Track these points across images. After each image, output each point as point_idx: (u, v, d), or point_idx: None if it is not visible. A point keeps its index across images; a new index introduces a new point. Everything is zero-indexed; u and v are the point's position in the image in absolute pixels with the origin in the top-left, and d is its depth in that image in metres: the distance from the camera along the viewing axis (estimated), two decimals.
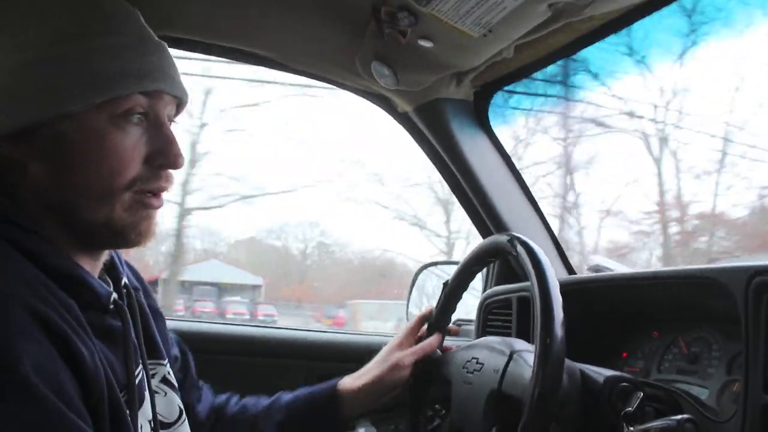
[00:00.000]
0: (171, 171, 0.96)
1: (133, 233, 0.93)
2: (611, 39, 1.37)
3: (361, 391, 1.30)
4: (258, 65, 1.61)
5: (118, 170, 0.89)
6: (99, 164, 0.88)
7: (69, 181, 0.89)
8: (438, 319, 1.38)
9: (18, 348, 0.73)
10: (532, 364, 1.00)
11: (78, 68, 0.87)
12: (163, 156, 0.93)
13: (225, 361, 1.79)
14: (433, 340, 1.35)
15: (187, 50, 1.49)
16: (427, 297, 2.05)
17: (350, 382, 1.32)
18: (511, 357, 1.11)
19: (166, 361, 1.11)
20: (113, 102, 0.88)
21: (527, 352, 1.12)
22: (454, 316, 1.42)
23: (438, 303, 1.38)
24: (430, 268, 2.09)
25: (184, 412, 1.10)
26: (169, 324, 1.21)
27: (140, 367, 0.99)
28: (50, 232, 0.89)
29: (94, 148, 0.88)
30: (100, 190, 0.89)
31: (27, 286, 0.79)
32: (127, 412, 0.89)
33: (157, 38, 0.97)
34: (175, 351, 1.23)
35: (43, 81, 0.86)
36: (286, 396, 1.32)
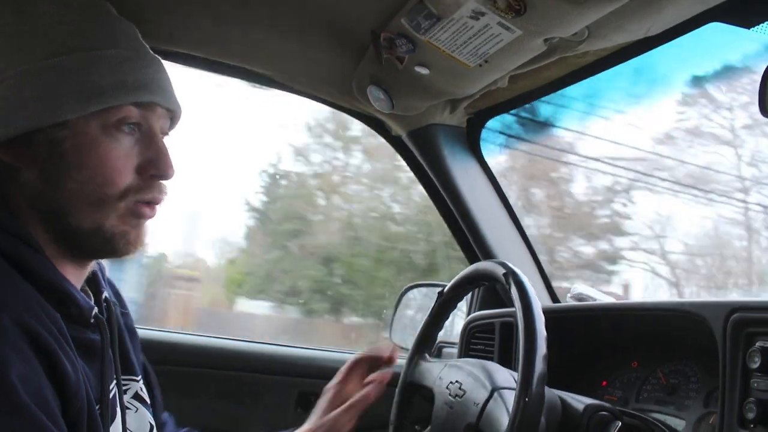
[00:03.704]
0: (164, 182, 0.97)
1: (122, 241, 0.94)
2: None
3: None
4: (257, 83, 1.64)
5: (111, 178, 0.91)
6: (91, 171, 0.90)
7: (61, 186, 0.90)
8: (430, 326, 1.36)
9: (6, 357, 0.75)
10: (510, 408, 1.00)
11: (76, 78, 0.89)
12: (154, 166, 0.95)
13: (198, 374, 1.76)
14: (371, 390, 1.13)
15: (189, 65, 1.51)
16: (410, 318, 2.06)
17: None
18: (491, 395, 1.10)
19: (140, 377, 1.11)
20: (107, 111, 0.90)
21: (508, 390, 1.10)
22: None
23: (431, 311, 1.36)
24: (414, 290, 2.10)
25: (155, 428, 1.10)
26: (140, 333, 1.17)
27: (114, 382, 0.99)
28: (39, 240, 0.89)
29: (87, 155, 0.90)
30: (93, 197, 0.91)
31: (18, 298, 0.80)
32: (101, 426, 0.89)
33: (153, 53, 1.00)
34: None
35: (42, 90, 0.89)
36: None
